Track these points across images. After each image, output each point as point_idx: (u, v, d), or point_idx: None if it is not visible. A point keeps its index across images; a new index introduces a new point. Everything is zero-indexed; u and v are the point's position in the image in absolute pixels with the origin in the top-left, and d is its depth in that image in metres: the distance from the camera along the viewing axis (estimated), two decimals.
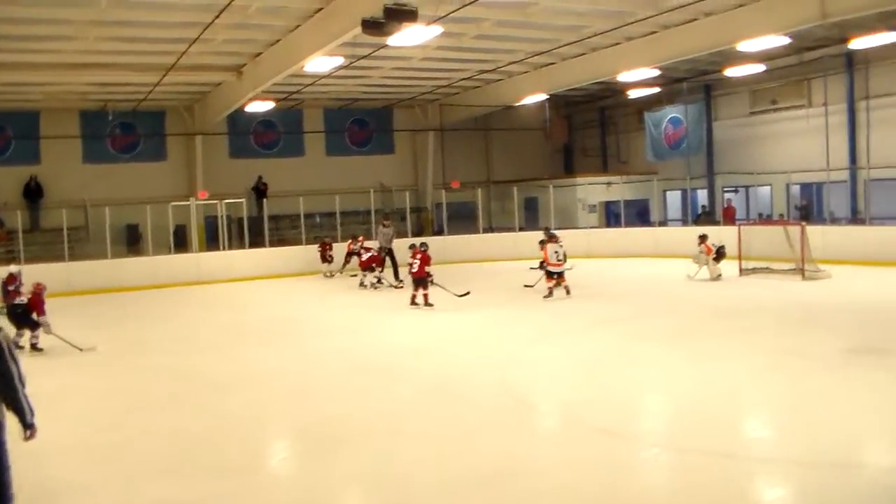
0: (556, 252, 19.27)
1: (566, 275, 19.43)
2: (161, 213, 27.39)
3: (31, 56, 22.23)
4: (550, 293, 19.24)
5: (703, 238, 21.46)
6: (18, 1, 17.79)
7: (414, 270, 18.62)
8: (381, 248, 24.08)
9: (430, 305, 18.42)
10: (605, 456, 7.95)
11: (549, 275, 19.40)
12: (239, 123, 32.01)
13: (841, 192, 27.93)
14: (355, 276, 24.20)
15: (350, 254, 25.62)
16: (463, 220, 32.89)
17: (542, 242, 20.49)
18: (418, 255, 18.65)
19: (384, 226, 24.54)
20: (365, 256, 23.06)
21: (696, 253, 21.36)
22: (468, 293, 19.43)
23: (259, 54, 23.61)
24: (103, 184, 29.73)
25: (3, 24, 19.28)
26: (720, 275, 20.97)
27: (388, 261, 23.98)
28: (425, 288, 18.56)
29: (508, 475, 7.52)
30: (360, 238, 25.37)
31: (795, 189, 30.06)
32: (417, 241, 21.28)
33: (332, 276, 26.39)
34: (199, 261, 27.58)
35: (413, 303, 18.65)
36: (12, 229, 27.17)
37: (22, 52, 21.77)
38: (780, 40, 21.90)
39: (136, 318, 19.68)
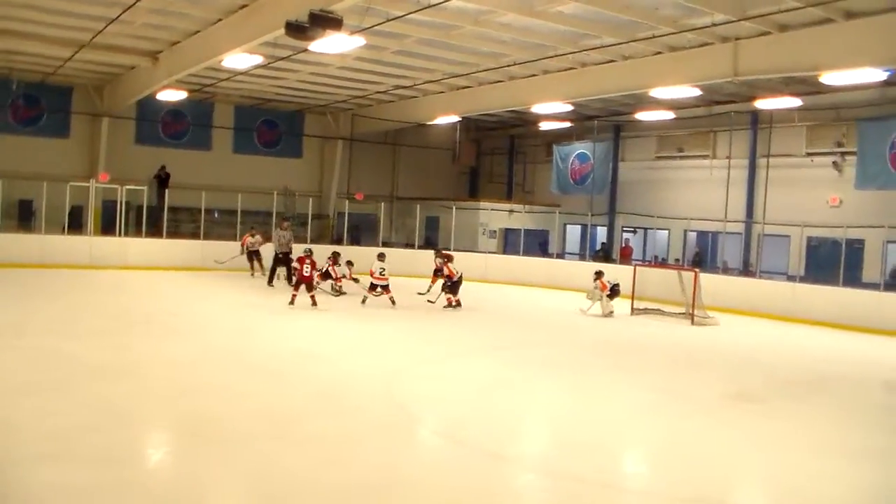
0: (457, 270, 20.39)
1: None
2: (58, 191, 26.68)
3: None
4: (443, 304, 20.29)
5: (599, 274, 21.74)
6: None
7: (306, 274, 18.97)
8: (277, 252, 23.89)
9: (315, 305, 18.97)
10: (483, 476, 8.02)
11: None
12: (148, 110, 31.50)
13: (735, 243, 28.72)
14: (255, 274, 24.26)
15: (250, 251, 25.55)
16: (364, 231, 32.87)
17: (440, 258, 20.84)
18: (307, 261, 19.08)
19: (282, 228, 24.35)
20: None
21: (591, 288, 21.62)
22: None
23: (177, 43, 23.30)
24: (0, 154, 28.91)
25: None
26: (612, 311, 21.27)
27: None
28: (311, 290, 19.12)
29: (385, 487, 7.55)
30: (254, 231, 25.83)
31: (692, 235, 30.74)
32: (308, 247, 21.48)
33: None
34: (93, 245, 26.90)
35: (292, 302, 19.00)
36: None
37: None
38: (691, 91, 22.63)
39: (20, 297, 19.12)
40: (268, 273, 23.86)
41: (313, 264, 19.18)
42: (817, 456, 9.31)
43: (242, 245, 25.86)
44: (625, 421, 10.57)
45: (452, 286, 20.67)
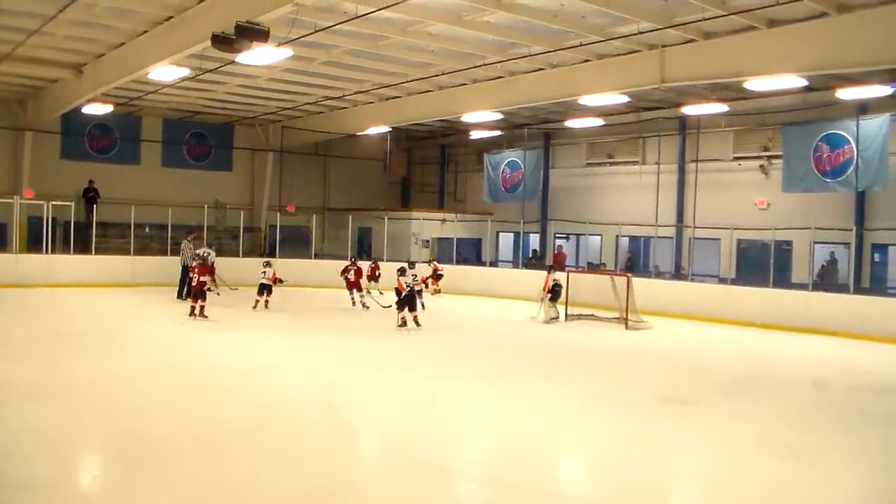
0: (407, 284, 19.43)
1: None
2: None
3: None
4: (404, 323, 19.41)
5: (549, 269, 22.03)
6: None
7: (195, 283, 19.03)
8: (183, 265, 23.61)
9: (205, 317, 18.93)
10: (422, 488, 7.98)
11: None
12: (74, 124, 31.00)
13: (667, 247, 29.03)
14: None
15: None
16: (296, 243, 32.66)
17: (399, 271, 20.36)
18: (196, 269, 19.22)
19: (187, 241, 24.07)
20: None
21: (541, 294, 21.66)
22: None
23: (102, 55, 23.00)
24: None
25: None
26: (557, 317, 21.44)
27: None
28: (203, 300, 19.03)
29: (325, 500, 7.51)
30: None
31: (624, 241, 31.01)
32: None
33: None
34: (18, 262, 26.41)
35: (192, 314, 18.99)
36: None
37: None
38: (619, 98, 22.87)
39: None
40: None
41: (202, 272, 19.13)
42: (750, 455, 9.40)
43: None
44: (562, 427, 10.62)
45: (403, 300, 19.36)
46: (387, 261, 28.64)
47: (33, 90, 28.90)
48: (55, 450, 8.63)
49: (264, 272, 21.88)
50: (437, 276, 28.79)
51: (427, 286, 25.63)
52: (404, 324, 19.16)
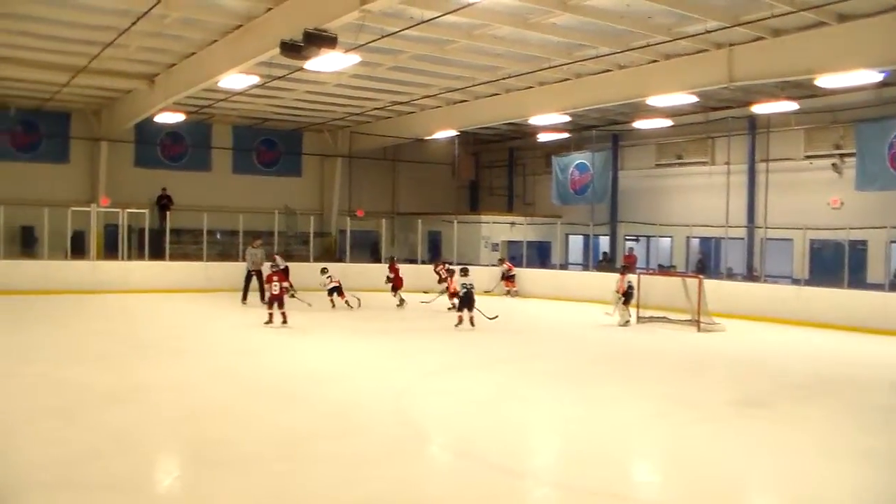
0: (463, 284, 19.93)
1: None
2: (60, 217, 26.78)
3: None
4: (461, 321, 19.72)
5: (624, 269, 21.92)
6: None
7: (275, 292, 18.81)
8: (249, 270, 24.05)
9: (286, 324, 18.82)
10: (496, 491, 7.95)
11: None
12: (146, 133, 31.53)
13: (738, 248, 28.67)
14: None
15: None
16: (366, 248, 32.87)
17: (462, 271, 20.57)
18: (275, 278, 18.96)
19: (253, 247, 24.34)
20: None
21: (615, 296, 21.53)
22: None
23: (173, 65, 23.38)
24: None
25: None
26: (628, 321, 21.22)
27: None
28: (281, 307, 18.86)
29: None
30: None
31: (695, 242, 30.70)
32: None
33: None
34: (96, 269, 26.95)
35: (270, 321, 18.85)
36: None
37: None
38: (687, 98, 22.64)
39: (24, 324, 19.11)
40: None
41: (282, 279, 19.05)
42: (825, 460, 9.26)
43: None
44: (634, 431, 10.50)
45: (461, 301, 19.95)
46: (457, 264, 28.74)
47: (108, 101, 29.49)
48: (132, 453, 8.76)
49: (330, 277, 22.68)
50: (509, 277, 28.78)
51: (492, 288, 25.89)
52: (460, 322, 19.47)
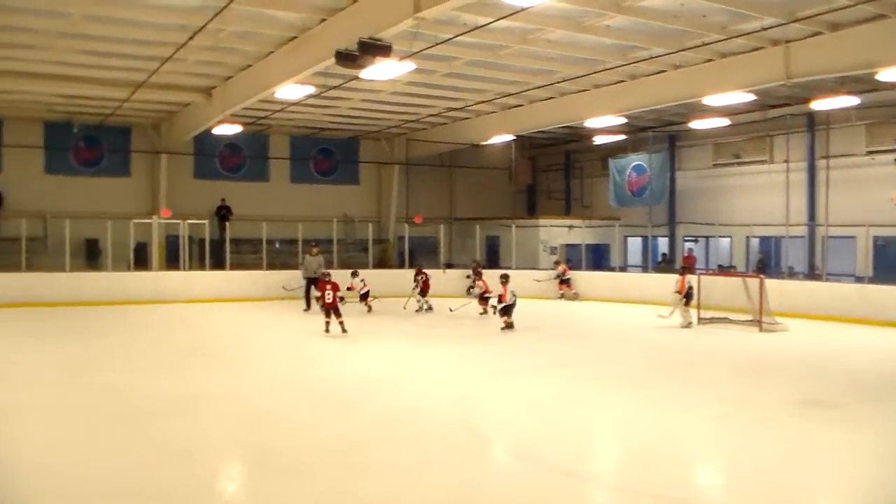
0: (512, 292, 20.01)
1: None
2: (122, 229, 27.22)
3: None
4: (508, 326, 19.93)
5: (683, 270, 21.75)
6: None
7: (328, 300, 18.76)
8: (306, 277, 24.32)
9: (346, 332, 18.70)
10: (560, 494, 7.95)
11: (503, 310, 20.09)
12: (205, 145, 31.91)
13: (799, 246, 28.34)
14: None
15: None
16: (424, 254, 32.92)
17: (502, 278, 20.56)
18: (327, 287, 18.87)
19: (311, 254, 24.53)
20: None
21: (674, 297, 21.37)
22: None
23: (230, 78, 23.66)
24: (65, 196, 29.62)
25: None
26: (690, 323, 21.03)
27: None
28: (339, 315, 18.77)
29: None
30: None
31: (755, 242, 30.39)
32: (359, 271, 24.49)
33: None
34: (158, 280, 27.40)
35: (328, 329, 18.80)
36: None
37: None
38: (744, 97, 22.39)
39: (87, 335, 19.48)
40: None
41: (335, 288, 18.95)
42: (893, 463, 9.13)
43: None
44: (696, 433, 10.43)
45: (506, 308, 20.11)
46: (515, 269, 28.77)
47: (167, 115, 29.93)
48: (193, 461, 8.88)
49: (363, 280, 23.37)
50: (564, 280, 28.69)
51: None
52: (507, 326, 19.76)
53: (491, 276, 22.45)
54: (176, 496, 7.74)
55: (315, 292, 22.18)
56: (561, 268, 29.24)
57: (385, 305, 23.89)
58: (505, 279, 20.19)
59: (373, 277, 25.04)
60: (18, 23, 18.74)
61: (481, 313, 22.15)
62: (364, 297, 23.75)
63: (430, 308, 24.06)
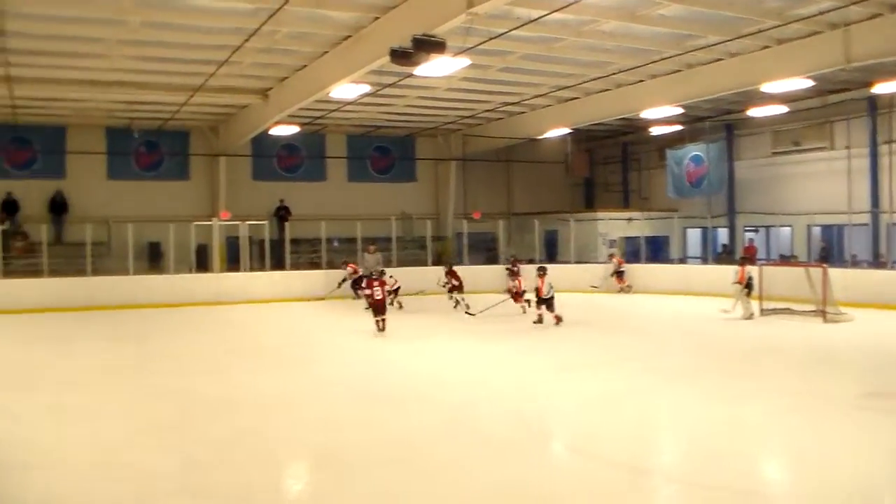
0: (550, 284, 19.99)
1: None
2: (183, 231, 27.62)
3: (60, 72, 22.57)
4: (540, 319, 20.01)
5: (743, 260, 21.49)
6: (50, 18, 18.03)
7: (378, 297, 18.73)
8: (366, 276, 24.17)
9: (382, 331, 18.64)
10: (623, 489, 7.92)
11: (540, 303, 20.08)
12: (263, 146, 32.14)
13: (862, 235, 27.89)
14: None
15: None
16: (483, 250, 32.92)
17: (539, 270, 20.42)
18: (375, 284, 18.91)
19: (369, 252, 24.63)
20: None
21: (735, 288, 21.16)
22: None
23: (286, 79, 23.83)
24: (127, 200, 30.11)
25: (35, 40, 19.52)
26: (752, 314, 20.79)
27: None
28: (382, 312, 18.78)
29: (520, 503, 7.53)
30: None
31: (816, 230, 29.99)
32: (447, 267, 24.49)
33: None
34: (220, 281, 27.73)
35: (379, 329, 18.68)
36: (36, 242, 27.40)
37: (52, 67, 22.06)
38: (803, 83, 21.94)
39: (153, 337, 19.76)
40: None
41: (382, 285, 19.00)
42: None
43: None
44: (762, 426, 10.30)
45: (543, 301, 19.88)
46: (575, 262, 28.74)
47: (224, 117, 30.21)
48: (253, 461, 8.97)
49: (392, 277, 22.78)
50: (619, 273, 28.52)
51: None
52: (540, 320, 19.65)
53: (529, 272, 22.46)
54: (234, 497, 7.83)
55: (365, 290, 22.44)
56: (615, 260, 29.07)
57: (424, 303, 23.83)
58: (542, 272, 20.08)
59: (431, 274, 24.99)
60: (80, 32, 19.09)
61: (523, 311, 21.75)
62: (394, 293, 23.55)
63: (465, 304, 23.72)
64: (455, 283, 24.21)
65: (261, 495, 7.93)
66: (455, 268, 25.24)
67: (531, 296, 20.61)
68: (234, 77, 23.42)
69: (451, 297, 24.19)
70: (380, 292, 18.76)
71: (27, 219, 28.90)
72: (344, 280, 26.42)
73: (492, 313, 21.58)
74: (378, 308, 18.79)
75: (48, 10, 17.56)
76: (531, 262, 29.99)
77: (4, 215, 28.42)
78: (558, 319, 19.67)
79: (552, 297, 19.99)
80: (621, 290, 28.30)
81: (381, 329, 18.65)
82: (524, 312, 21.45)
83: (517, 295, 22.00)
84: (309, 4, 17.41)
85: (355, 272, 26.33)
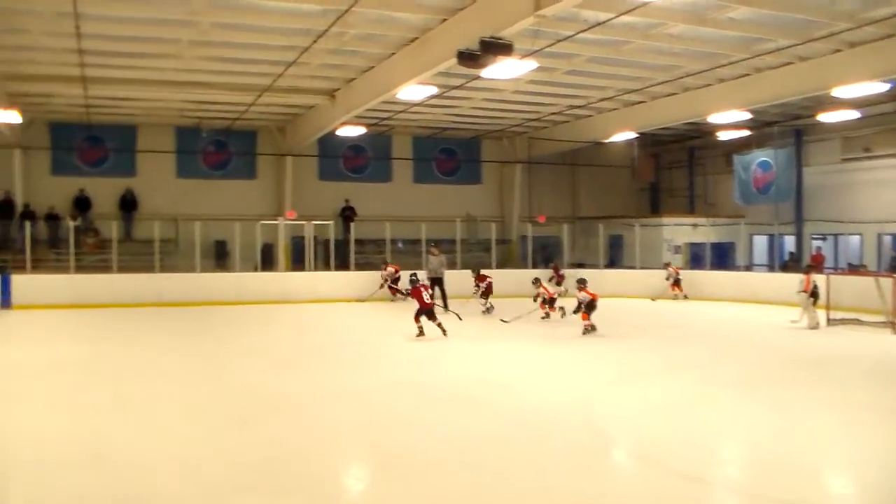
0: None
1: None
2: (249, 230, 27.94)
3: (132, 72, 23.04)
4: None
5: (809, 269, 21.16)
6: (124, 20, 18.39)
7: (427, 302, 18.47)
8: (429, 277, 24.29)
9: (423, 335, 18.24)
10: (685, 499, 7.84)
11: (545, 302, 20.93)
12: (329, 146, 32.44)
13: None
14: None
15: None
16: (547, 253, 32.84)
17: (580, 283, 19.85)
18: (422, 288, 18.68)
19: (433, 254, 24.66)
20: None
21: (800, 297, 20.84)
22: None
23: (353, 80, 24.02)
24: (195, 199, 30.60)
25: (109, 41, 19.97)
26: (818, 324, 20.38)
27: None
28: (418, 318, 18.38)
29: None
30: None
31: (887, 239, 29.49)
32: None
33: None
34: (285, 280, 28.00)
35: (443, 332, 18.21)
36: (107, 238, 27.96)
37: (123, 68, 22.56)
38: (877, 87, 21.58)
39: (219, 334, 20.03)
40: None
41: (427, 289, 18.79)
42: None
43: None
44: (828, 439, 10.10)
45: (589, 305, 19.23)
46: (640, 268, 28.58)
47: (291, 118, 30.55)
48: (317, 460, 9.04)
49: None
50: (676, 281, 28.21)
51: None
52: (591, 329, 18.96)
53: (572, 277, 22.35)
54: (299, 494, 7.86)
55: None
56: (672, 269, 28.77)
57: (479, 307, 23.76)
58: (582, 284, 19.47)
59: (495, 277, 24.94)
60: (152, 33, 19.49)
61: (543, 317, 21.47)
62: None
63: (490, 309, 23.32)
64: (483, 287, 23.80)
65: (322, 494, 7.98)
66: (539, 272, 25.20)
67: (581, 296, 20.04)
68: (301, 78, 23.64)
69: (483, 304, 23.68)
70: (428, 297, 18.57)
71: (98, 216, 29.61)
72: (386, 281, 26.55)
73: (558, 318, 21.43)
74: (428, 312, 18.43)
75: (122, 13, 17.98)
76: (594, 266, 29.95)
77: (77, 212, 29.07)
78: (591, 328, 19.07)
79: (556, 298, 20.89)
80: (675, 298, 28.00)
81: (444, 333, 18.22)
82: (546, 317, 21.39)
83: (544, 302, 21.57)
84: (377, 6, 17.56)
85: (396, 272, 26.48)
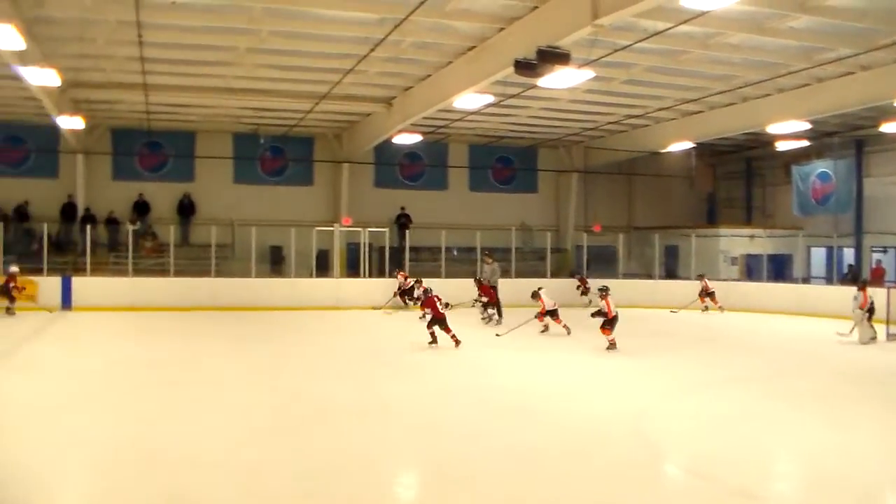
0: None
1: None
2: (305, 236, 28.12)
3: (191, 80, 23.37)
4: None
5: (864, 284, 20.65)
6: (185, 28, 18.64)
7: (441, 311, 18.35)
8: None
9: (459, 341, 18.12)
10: None
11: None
12: (385, 154, 32.59)
13: None
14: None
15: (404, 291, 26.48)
16: (602, 263, 32.68)
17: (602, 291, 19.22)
18: (437, 297, 18.58)
19: (487, 263, 24.61)
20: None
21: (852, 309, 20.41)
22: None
23: (410, 88, 24.12)
24: (251, 204, 31.01)
25: (170, 49, 20.28)
26: (874, 337, 19.91)
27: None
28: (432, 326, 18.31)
29: None
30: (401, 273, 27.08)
31: None
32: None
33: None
34: (340, 286, 28.12)
35: (457, 342, 18.10)
36: (164, 243, 28.37)
37: (183, 75, 22.91)
38: None
39: (274, 339, 20.12)
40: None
41: (438, 300, 18.57)
42: None
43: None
44: (886, 458, 9.87)
45: (609, 322, 18.28)
46: (695, 279, 28.33)
47: (348, 125, 30.76)
48: (374, 467, 9.04)
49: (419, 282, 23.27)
50: (709, 294, 27.73)
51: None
52: (613, 346, 18.15)
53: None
54: (357, 501, 7.87)
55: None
56: (703, 282, 28.27)
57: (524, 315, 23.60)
58: (605, 292, 18.69)
59: (548, 285, 24.85)
60: (212, 41, 19.77)
61: (542, 331, 21.03)
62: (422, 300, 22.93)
63: (499, 320, 23.00)
64: (485, 297, 23.50)
65: (380, 502, 8.03)
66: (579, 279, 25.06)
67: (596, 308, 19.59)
68: (359, 85, 23.82)
69: (483, 312, 23.49)
70: (442, 307, 18.42)
71: (156, 220, 30.08)
72: (400, 289, 26.54)
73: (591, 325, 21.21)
74: (441, 322, 18.28)
75: (183, 21, 18.21)
76: (649, 276, 29.77)
77: (136, 216, 29.53)
78: (612, 345, 18.33)
79: (556, 309, 20.48)
80: (706, 310, 27.63)
81: (457, 342, 18.08)
82: (545, 330, 20.97)
83: (544, 314, 20.77)
84: (434, 15, 17.60)
85: (406, 281, 26.51)
